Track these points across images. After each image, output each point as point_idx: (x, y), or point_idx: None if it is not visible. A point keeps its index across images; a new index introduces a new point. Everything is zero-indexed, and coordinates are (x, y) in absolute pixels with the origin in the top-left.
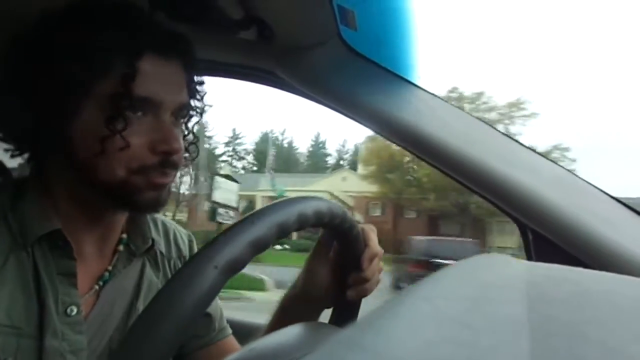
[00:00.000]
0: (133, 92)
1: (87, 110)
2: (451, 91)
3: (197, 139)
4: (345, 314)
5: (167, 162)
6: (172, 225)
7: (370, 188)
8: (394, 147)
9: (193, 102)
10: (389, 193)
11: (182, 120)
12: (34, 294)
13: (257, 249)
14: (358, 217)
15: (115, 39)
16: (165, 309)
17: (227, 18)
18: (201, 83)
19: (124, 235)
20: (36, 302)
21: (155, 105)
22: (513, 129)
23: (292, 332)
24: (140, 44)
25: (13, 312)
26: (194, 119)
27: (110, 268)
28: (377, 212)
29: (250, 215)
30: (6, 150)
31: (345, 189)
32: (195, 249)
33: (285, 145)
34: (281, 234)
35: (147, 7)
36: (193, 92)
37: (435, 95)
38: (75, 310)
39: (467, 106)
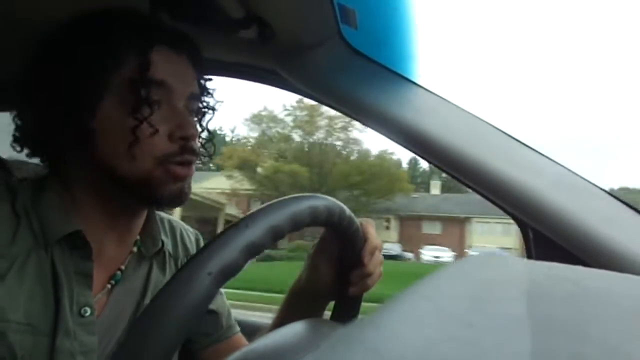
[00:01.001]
0: (148, 78)
1: (108, 101)
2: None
3: (213, 136)
4: (348, 308)
5: (187, 148)
6: (178, 225)
7: (247, 186)
8: (249, 149)
9: (205, 101)
10: (259, 190)
11: (195, 116)
12: (51, 293)
13: (252, 253)
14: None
15: (128, 35)
16: (159, 318)
17: (227, 17)
18: (209, 80)
19: (138, 237)
20: (52, 300)
21: (169, 91)
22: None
23: (293, 330)
24: (150, 38)
25: (31, 311)
26: (208, 117)
27: (122, 268)
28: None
29: (243, 219)
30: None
31: (226, 186)
32: None
33: (234, 142)
34: (276, 236)
35: (148, 6)
36: (203, 89)
37: (437, 94)
38: (89, 311)
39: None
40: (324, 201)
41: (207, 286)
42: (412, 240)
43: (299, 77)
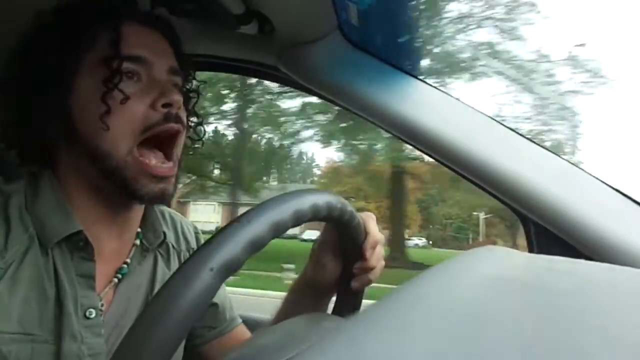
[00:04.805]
0: (122, 52)
1: (83, 78)
2: None
3: (201, 120)
4: (350, 303)
5: (171, 116)
6: (178, 218)
7: None
8: None
9: (189, 80)
10: None
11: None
12: (51, 297)
13: (254, 248)
14: None
15: (98, 14)
16: (161, 313)
17: (227, 13)
18: (189, 61)
19: (139, 230)
20: (53, 305)
21: (147, 64)
22: None
23: (295, 324)
24: (120, 15)
25: (26, 319)
26: (193, 101)
27: (128, 261)
28: None
29: (245, 214)
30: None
31: None
32: (202, 241)
33: None
34: (278, 231)
35: (148, 2)
36: (183, 69)
37: (437, 88)
38: (94, 313)
39: None
40: (324, 197)
41: (208, 282)
42: None
43: (299, 72)
